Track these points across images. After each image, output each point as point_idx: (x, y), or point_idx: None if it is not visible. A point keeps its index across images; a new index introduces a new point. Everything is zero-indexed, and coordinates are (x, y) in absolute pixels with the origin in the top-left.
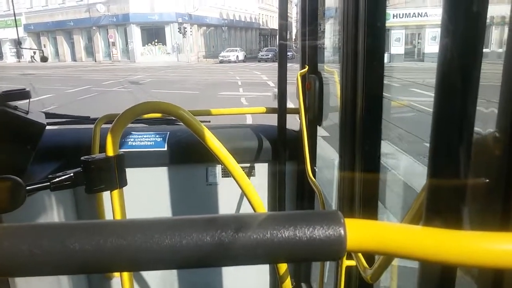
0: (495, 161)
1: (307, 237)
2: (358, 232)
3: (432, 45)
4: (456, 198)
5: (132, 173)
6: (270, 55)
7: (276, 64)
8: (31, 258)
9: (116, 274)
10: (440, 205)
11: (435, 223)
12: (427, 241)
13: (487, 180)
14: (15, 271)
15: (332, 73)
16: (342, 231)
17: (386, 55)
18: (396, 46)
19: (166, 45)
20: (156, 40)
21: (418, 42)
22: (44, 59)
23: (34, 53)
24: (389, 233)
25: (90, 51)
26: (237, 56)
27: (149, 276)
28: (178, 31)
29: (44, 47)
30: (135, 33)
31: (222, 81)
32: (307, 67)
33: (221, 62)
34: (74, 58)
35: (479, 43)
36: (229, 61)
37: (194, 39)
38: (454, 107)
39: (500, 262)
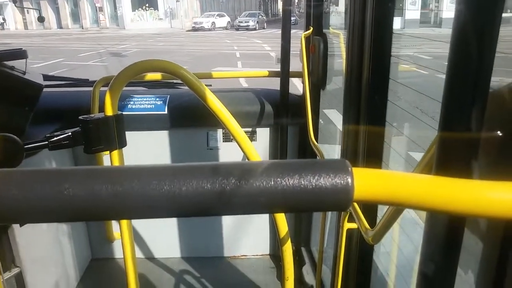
0: (508, 115)
1: (313, 185)
2: (366, 181)
3: (450, 10)
4: (468, 150)
5: (132, 137)
6: (251, 22)
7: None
8: (23, 203)
9: (117, 236)
10: (451, 157)
11: (446, 174)
12: (437, 190)
13: (500, 133)
14: (7, 217)
15: (337, 35)
16: (349, 180)
17: (400, 20)
18: (411, 10)
19: (158, 10)
20: (147, 5)
21: (436, 6)
22: (41, 19)
23: (4, 19)
24: (397, 182)
25: (76, 17)
26: (213, 22)
27: (150, 239)
28: None
29: (27, 12)
30: None
31: (217, 53)
32: (311, 28)
33: (194, 29)
34: (59, 25)
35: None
36: (202, 29)
37: (189, 3)
38: (470, 60)
39: None
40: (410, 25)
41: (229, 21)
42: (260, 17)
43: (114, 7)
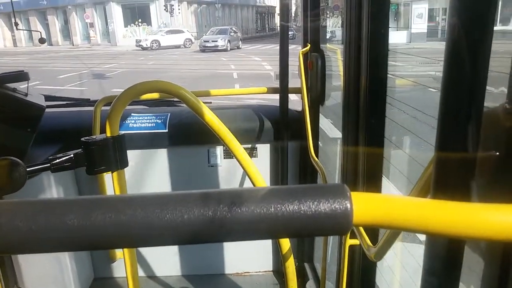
0: (505, 134)
1: (312, 211)
2: (365, 206)
3: None
4: (465, 171)
5: (133, 155)
6: (221, 41)
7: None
8: (28, 235)
9: (120, 255)
10: (448, 178)
11: (443, 196)
12: (435, 214)
13: (497, 153)
14: (12, 248)
15: (334, 51)
16: (348, 205)
17: (406, 34)
18: (418, 23)
19: (151, 25)
20: (140, 20)
21: (443, 19)
22: (42, 40)
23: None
24: (396, 206)
25: (67, 33)
26: (155, 41)
27: (152, 258)
28: (165, 10)
29: (17, 29)
30: (116, 12)
31: (213, 73)
32: (309, 45)
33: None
34: (49, 42)
35: (490, 13)
36: (141, 47)
37: (184, 18)
38: (464, 79)
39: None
40: (417, 39)
41: (188, 39)
42: (232, 34)
43: (106, 23)
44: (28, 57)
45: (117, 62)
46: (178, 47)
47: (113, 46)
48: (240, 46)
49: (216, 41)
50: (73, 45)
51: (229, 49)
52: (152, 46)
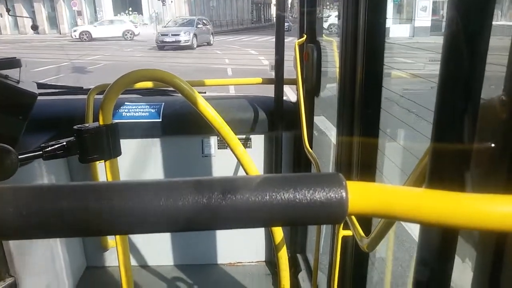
0: (501, 125)
1: (308, 199)
2: (360, 195)
3: None
4: (460, 161)
5: (126, 144)
6: (184, 35)
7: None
8: (19, 220)
9: (112, 244)
10: (443, 168)
11: (438, 186)
12: (431, 204)
13: (493, 145)
14: (3, 234)
15: (330, 42)
16: (343, 194)
17: (409, 27)
18: (421, 17)
19: (142, 14)
20: (130, 9)
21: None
22: (34, 27)
23: None
24: (391, 196)
25: (54, 22)
26: (85, 32)
27: (145, 247)
28: None
29: (1, 16)
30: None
31: (206, 67)
32: (305, 36)
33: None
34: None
35: (489, 7)
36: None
37: (176, 8)
38: (461, 68)
39: (505, 224)
40: (420, 33)
41: (128, 30)
42: (200, 26)
43: (94, 11)
44: (9, 46)
45: (102, 53)
46: (117, 38)
47: None
48: (212, 42)
49: (178, 35)
50: (60, 33)
51: (195, 45)
52: (82, 38)
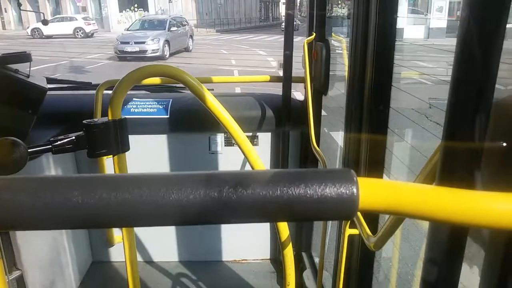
0: None
1: (318, 195)
2: (371, 191)
3: None
4: (471, 160)
5: (134, 140)
6: (151, 42)
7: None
8: (32, 211)
9: (118, 239)
10: (454, 167)
11: (448, 184)
12: (442, 201)
13: (504, 144)
14: (15, 224)
15: (339, 40)
16: (354, 190)
17: (423, 29)
18: (437, 17)
19: (148, 11)
20: (136, 5)
21: None
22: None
23: None
24: (402, 192)
25: None
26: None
27: (151, 243)
28: None
29: (5, 11)
30: None
31: (210, 69)
32: (314, 34)
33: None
34: None
35: (504, 8)
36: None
37: (183, 5)
38: (475, 68)
39: None
40: (436, 34)
41: (79, 28)
42: (174, 29)
43: (99, 7)
44: (9, 42)
45: (104, 52)
46: (68, 36)
47: (106, 32)
48: (191, 48)
49: (143, 42)
50: None
51: (167, 55)
52: (34, 35)
